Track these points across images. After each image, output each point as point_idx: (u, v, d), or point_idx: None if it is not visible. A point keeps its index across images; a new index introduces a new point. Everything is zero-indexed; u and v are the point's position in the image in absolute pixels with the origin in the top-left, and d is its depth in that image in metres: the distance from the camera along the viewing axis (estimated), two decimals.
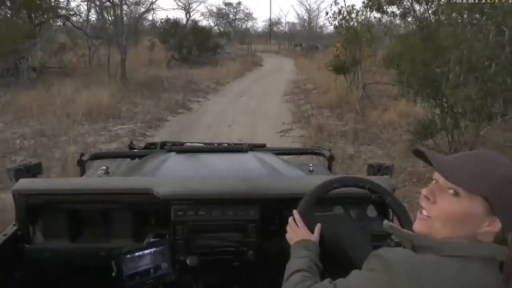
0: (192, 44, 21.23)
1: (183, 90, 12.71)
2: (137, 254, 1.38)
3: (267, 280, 1.61)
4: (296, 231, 1.21)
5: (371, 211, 1.58)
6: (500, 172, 0.82)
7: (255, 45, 38.88)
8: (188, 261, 1.47)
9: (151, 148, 2.49)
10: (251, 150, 2.31)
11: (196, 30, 21.70)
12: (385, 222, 1.01)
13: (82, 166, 2.26)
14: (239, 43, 38.09)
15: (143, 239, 1.55)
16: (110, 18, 15.55)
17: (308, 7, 37.52)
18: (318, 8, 41.47)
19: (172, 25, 20.78)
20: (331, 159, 2.44)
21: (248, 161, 2.11)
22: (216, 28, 38.18)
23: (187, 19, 31.15)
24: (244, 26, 45.57)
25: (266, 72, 20.73)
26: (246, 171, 1.93)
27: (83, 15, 16.86)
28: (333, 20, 10.43)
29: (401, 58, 5.71)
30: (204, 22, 35.76)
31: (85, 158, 2.25)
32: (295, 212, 1.26)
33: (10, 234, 1.52)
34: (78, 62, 16.34)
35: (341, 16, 10.26)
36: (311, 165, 2.43)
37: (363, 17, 10.20)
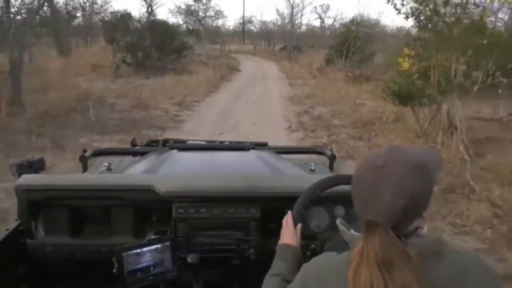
0: (150, 45, 15.46)
1: (121, 126, 7.08)
2: (138, 250, 1.32)
3: None
4: (284, 232, 1.21)
5: None
6: None
7: (228, 45, 33.44)
8: (189, 259, 1.42)
9: (153, 145, 2.36)
10: (253, 148, 2.20)
11: (155, 26, 15.86)
12: (338, 219, 0.97)
13: (84, 162, 2.13)
14: (210, 43, 32.88)
15: (144, 236, 1.49)
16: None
17: (291, 1, 31.92)
18: (302, 1, 35.85)
19: (121, 20, 14.87)
20: (332, 158, 2.30)
21: (250, 160, 2.02)
22: (184, 26, 32.91)
23: (149, 14, 25.22)
24: (214, 24, 40.83)
25: (248, 82, 15.22)
26: (248, 169, 1.85)
27: None
28: (404, 5, 5.10)
29: None
30: (172, 20, 30.56)
31: (87, 154, 2.13)
32: (289, 213, 1.25)
33: (12, 229, 1.46)
34: None
35: None
36: (312, 164, 2.24)
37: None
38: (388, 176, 0.76)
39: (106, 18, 15.58)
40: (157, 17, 20.95)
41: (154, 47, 15.64)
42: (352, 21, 22.60)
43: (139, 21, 15.90)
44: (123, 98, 9.83)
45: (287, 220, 1.22)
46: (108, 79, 13.57)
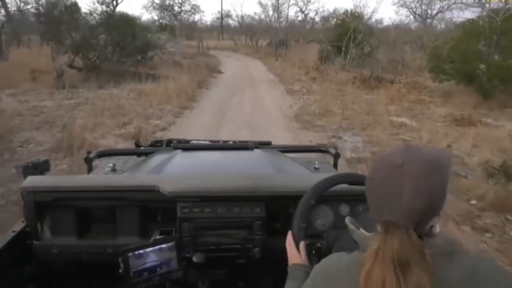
0: (105, 43, 11.77)
1: (3, 210, 3.54)
2: (143, 251, 1.29)
3: (273, 277, 1.58)
4: (289, 253, 1.15)
5: None
6: None
7: (206, 41, 29.81)
8: (194, 258, 1.40)
9: (157, 145, 2.33)
10: (257, 147, 2.13)
11: (111, 20, 12.12)
12: (347, 218, 0.94)
13: (89, 163, 2.08)
14: (186, 39, 29.29)
15: (149, 236, 1.46)
16: None
17: None
18: None
19: (65, 12, 11.07)
20: (336, 156, 2.24)
21: (254, 159, 1.97)
22: (157, 22, 29.39)
23: (114, 7, 21.28)
24: (191, 20, 37.42)
25: (234, 89, 11.72)
26: (252, 169, 1.82)
27: None
28: None
29: None
30: (146, 16, 27.08)
31: (92, 155, 2.09)
32: (289, 233, 1.19)
33: (19, 231, 1.44)
34: None
35: None
36: (316, 162, 2.18)
37: None
38: (408, 176, 0.73)
39: (42, 10, 11.71)
40: (124, 11, 17.13)
41: (112, 46, 11.98)
42: (345, 12, 19.52)
43: (90, 13, 12.13)
44: (46, 128, 6.27)
45: (289, 241, 1.17)
46: (47, 90, 9.91)
